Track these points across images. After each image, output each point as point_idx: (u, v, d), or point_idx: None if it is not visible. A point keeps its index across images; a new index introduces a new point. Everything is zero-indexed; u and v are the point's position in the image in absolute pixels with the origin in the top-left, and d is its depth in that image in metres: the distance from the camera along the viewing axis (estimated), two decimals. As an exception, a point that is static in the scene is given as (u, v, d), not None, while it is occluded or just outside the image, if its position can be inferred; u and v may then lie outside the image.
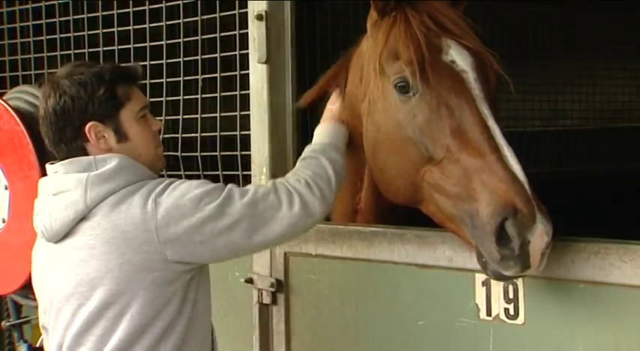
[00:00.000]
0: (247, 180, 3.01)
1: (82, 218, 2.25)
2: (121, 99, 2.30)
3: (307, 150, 2.50)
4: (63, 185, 2.28)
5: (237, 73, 3.01)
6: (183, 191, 2.22)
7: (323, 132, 2.58)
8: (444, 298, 2.48)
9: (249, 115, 2.97)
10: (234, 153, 3.07)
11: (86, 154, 2.31)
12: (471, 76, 2.26)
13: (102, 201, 2.23)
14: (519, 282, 2.32)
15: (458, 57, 2.30)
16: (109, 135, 2.30)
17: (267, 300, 2.92)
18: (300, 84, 3.05)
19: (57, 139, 2.32)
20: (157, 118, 2.55)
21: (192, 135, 3.20)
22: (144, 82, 3.26)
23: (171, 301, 2.23)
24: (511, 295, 2.34)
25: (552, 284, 2.27)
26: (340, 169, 2.44)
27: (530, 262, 2.05)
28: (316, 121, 2.76)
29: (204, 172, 3.18)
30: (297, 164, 2.47)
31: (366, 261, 2.68)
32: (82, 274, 2.24)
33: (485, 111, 2.20)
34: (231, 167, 3.12)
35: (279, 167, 2.92)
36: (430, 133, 2.25)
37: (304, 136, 6.33)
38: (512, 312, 2.34)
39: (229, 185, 2.28)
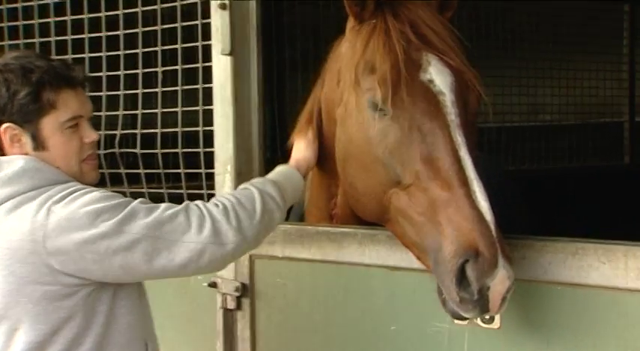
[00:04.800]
0: (211, 178, 3.01)
1: None
2: (44, 105, 2.20)
3: (251, 180, 2.45)
4: None
5: (199, 65, 2.99)
6: (83, 203, 2.12)
7: (276, 170, 2.53)
8: (417, 302, 2.50)
9: (212, 109, 2.96)
10: (197, 150, 3.05)
11: (3, 154, 2.26)
12: (448, 99, 2.24)
13: None
14: (495, 284, 2.35)
15: (437, 76, 2.27)
16: (26, 140, 2.23)
17: (231, 305, 2.91)
18: (266, 77, 3.05)
19: None
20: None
21: (152, 131, 3.17)
22: (99, 74, 3.25)
23: (72, 316, 2.16)
24: (486, 298, 2.37)
25: (529, 287, 2.30)
26: (274, 207, 2.34)
27: (490, 307, 2.07)
28: (284, 116, 2.77)
29: (165, 170, 3.16)
30: (232, 191, 2.41)
31: (336, 263, 2.69)
32: None
33: (459, 139, 2.18)
34: (193, 165, 3.10)
35: (244, 165, 2.93)
36: (400, 156, 2.24)
37: (272, 131, 6.34)
38: (487, 316, 2.35)
39: (136, 202, 2.19)
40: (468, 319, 2.21)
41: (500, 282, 2.03)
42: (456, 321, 2.38)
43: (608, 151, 7.65)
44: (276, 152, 5.84)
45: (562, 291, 2.26)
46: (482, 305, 2.05)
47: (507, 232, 2.86)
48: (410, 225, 2.23)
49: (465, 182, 2.11)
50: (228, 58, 2.89)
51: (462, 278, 2.04)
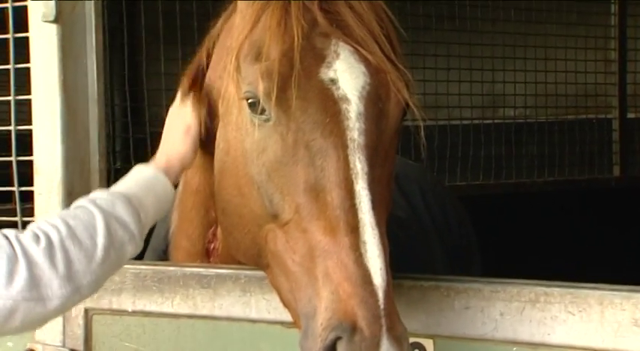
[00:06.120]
0: (29, 199, 2.96)
1: None
2: None
3: (92, 195, 2.40)
4: None
5: (9, 36, 2.96)
6: None
7: (133, 176, 2.49)
8: (321, 371, 2.53)
9: (30, 100, 2.92)
10: (8, 158, 3.00)
11: None
12: (353, 109, 2.24)
13: None
14: (428, 344, 2.40)
15: (344, 74, 2.27)
16: None
17: (58, 382, 2.88)
18: (109, 53, 3.03)
19: None
20: None
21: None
22: None
23: None
24: (415, 365, 2.43)
25: (474, 346, 2.37)
26: (125, 239, 2.32)
27: None
28: (141, 110, 2.76)
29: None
30: (61, 214, 2.34)
31: (210, 319, 2.69)
32: None
33: (359, 166, 2.19)
34: (3, 180, 3.07)
35: (77, 181, 2.90)
36: (279, 180, 2.26)
37: (123, 131, 6.23)
38: (417, 387, 2.41)
39: None
40: None
41: None
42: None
43: (593, 159, 7.88)
44: (128, 161, 5.78)
45: (518, 353, 2.33)
46: None
47: (445, 273, 2.93)
48: (284, 276, 2.25)
49: (354, 228, 2.13)
50: (54, 26, 2.86)
51: None
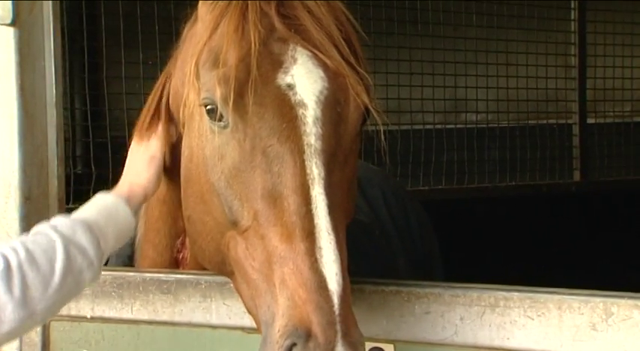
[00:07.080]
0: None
1: None
2: None
3: (52, 221, 2.38)
4: None
5: (-33, 39, 2.93)
6: None
7: (94, 203, 2.48)
8: (282, 377, 2.52)
9: (-13, 104, 2.90)
10: (-35, 163, 2.98)
11: None
12: (310, 114, 2.25)
13: None
14: (389, 349, 2.39)
15: (301, 79, 2.28)
16: None
17: (15, 389, 2.85)
18: (69, 56, 3.01)
19: None
20: None
21: None
22: None
23: None
24: (375, 368, 2.42)
25: (434, 351, 2.38)
26: (84, 266, 2.31)
27: None
28: (102, 114, 2.73)
29: None
30: (21, 238, 2.32)
31: (171, 325, 2.68)
32: None
33: (315, 171, 2.20)
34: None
35: (36, 185, 2.88)
36: (237, 187, 2.27)
37: (83, 134, 6.15)
38: (375, 392, 2.41)
39: None
40: None
41: None
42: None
43: (553, 163, 7.93)
44: (89, 166, 5.73)
45: (478, 357, 2.33)
46: None
47: (406, 278, 2.93)
48: (245, 283, 2.25)
49: (309, 233, 2.13)
50: (11, 29, 2.84)
51: None
